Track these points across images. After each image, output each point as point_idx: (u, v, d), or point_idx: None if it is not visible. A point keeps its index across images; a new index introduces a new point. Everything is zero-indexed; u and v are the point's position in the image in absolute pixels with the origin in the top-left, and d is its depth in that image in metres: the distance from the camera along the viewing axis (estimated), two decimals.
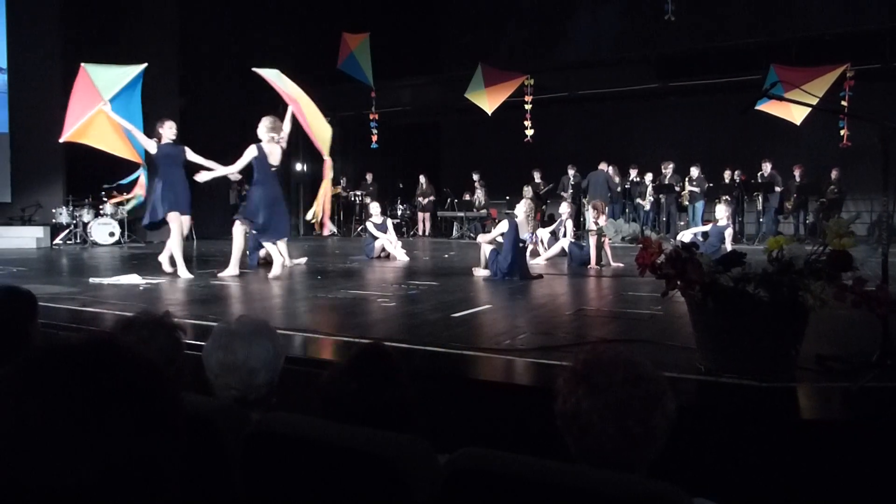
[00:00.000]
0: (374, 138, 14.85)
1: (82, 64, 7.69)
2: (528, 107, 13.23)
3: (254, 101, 7.81)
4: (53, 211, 12.55)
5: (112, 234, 12.41)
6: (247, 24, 13.56)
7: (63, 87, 12.98)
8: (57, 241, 12.32)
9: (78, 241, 12.45)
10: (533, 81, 13.18)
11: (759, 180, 13.24)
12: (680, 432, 1.50)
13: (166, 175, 7.41)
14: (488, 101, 13.06)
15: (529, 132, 13.25)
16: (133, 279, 6.88)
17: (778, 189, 13.07)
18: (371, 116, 14.72)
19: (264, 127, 7.40)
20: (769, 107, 9.22)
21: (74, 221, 12.48)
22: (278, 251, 7.52)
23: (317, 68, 14.24)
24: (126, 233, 12.70)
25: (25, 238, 11.98)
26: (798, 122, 10.22)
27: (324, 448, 1.44)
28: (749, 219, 14.00)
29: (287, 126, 7.72)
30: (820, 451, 2.49)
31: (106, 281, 6.87)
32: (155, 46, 12.94)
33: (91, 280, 6.98)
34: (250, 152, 7.33)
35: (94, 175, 12.30)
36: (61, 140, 7.75)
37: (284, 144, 7.62)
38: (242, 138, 8.34)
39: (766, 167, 13.19)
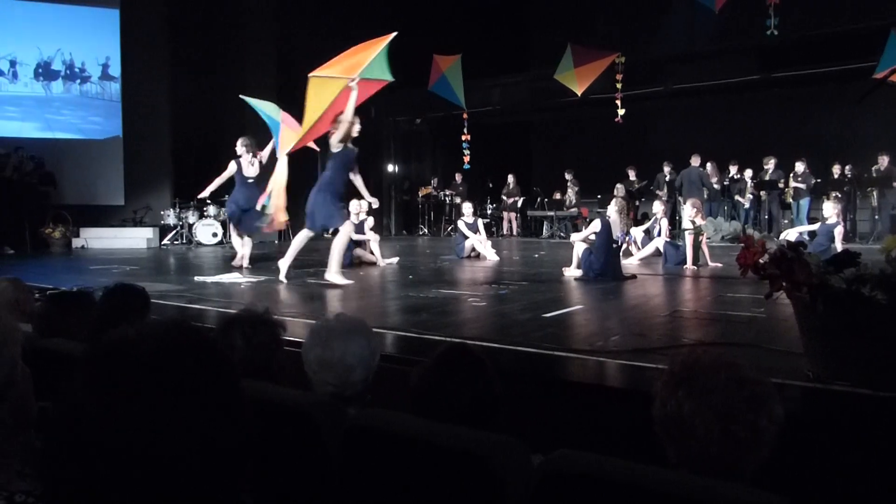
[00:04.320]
0: (467, 159, 14.67)
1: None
2: (619, 86, 12.77)
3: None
4: (162, 213, 13.37)
5: (215, 235, 13.06)
6: (343, 35, 13.93)
7: (170, 96, 13.82)
8: (165, 241, 13.09)
9: (184, 241, 13.17)
10: (624, 59, 12.70)
11: (875, 174, 12.37)
12: (786, 441, 1.42)
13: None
14: (578, 82, 12.54)
15: (621, 112, 12.81)
16: (235, 277, 7.20)
17: None
18: (463, 138, 14.58)
19: (240, 144, 8.63)
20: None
21: (181, 223, 13.21)
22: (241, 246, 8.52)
23: (406, 75, 14.43)
24: (228, 234, 13.30)
25: (136, 238, 12.79)
26: None
27: (420, 444, 1.45)
28: (862, 216, 13.10)
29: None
30: None
31: (209, 279, 7.23)
32: (255, 66, 13.61)
33: (196, 278, 7.36)
34: (231, 167, 8.64)
35: (198, 180, 13.00)
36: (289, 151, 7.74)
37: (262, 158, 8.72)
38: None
39: (883, 160, 12.27)
